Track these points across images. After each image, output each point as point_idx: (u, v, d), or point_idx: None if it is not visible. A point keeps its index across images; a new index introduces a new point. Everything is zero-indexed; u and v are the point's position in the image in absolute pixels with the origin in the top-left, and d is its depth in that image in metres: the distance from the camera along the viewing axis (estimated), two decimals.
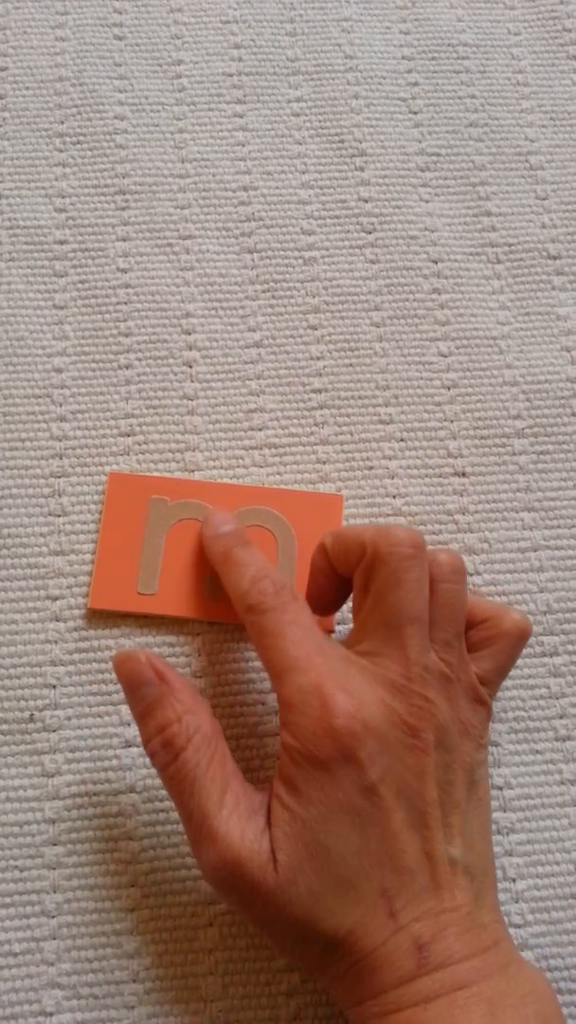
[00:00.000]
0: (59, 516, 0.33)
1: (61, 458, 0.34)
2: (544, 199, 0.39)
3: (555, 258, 0.38)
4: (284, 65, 0.40)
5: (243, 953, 0.29)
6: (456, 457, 0.35)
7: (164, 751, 0.26)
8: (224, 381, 0.35)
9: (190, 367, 0.35)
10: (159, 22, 0.40)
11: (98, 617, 0.32)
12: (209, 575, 0.32)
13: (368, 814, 0.24)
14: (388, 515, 0.34)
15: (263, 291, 0.37)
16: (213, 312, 0.36)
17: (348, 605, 0.31)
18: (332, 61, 0.40)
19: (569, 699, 0.32)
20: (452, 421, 0.35)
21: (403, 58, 0.41)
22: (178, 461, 0.34)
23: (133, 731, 0.31)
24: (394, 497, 0.34)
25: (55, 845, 0.30)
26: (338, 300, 0.37)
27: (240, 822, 0.25)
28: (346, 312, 0.37)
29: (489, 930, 0.25)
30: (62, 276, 0.36)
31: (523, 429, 0.35)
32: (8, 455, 0.34)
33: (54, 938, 0.29)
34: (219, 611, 0.32)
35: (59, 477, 0.34)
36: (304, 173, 0.38)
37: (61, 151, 0.38)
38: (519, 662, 0.32)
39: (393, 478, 0.34)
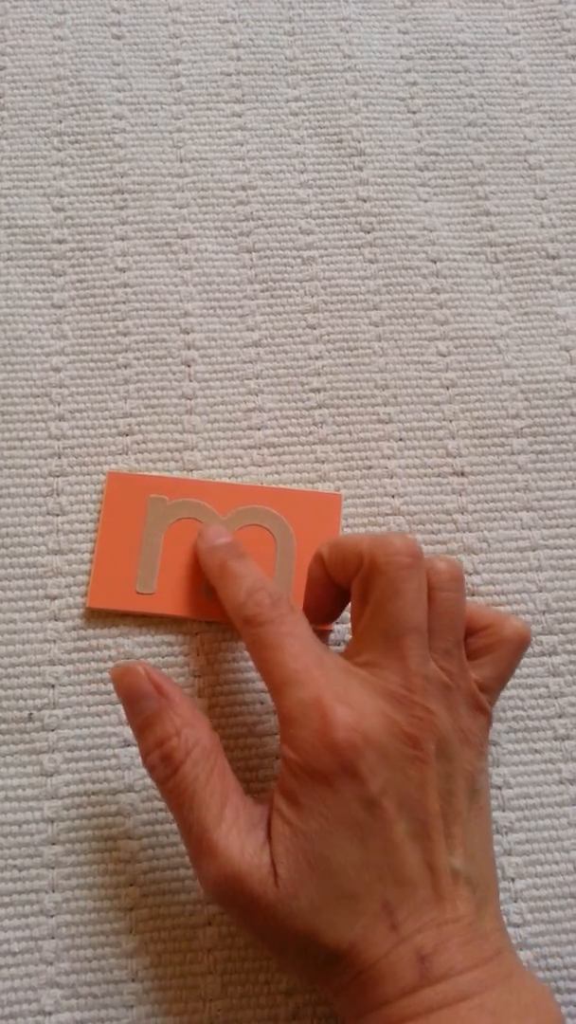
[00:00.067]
0: (57, 515, 0.33)
1: (60, 457, 0.34)
2: (543, 199, 0.39)
3: (554, 258, 0.38)
4: (282, 64, 0.40)
5: (242, 952, 0.29)
6: (455, 456, 0.35)
7: (163, 765, 0.26)
8: (223, 380, 0.35)
9: (189, 366, 0.35)
10: (157, 21, 0.40)
11: (97, 616, 0.32)
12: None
13: (370, 827, 0.24)
14: (387, 514, 0.34)
15: (262, 290, 0.37)
16: (212, 311, 0.36)
17: (345, 615, 0.31)
18: (331, 60, 0.40)
19: (568, 698, 0.32)
20: (451, 420, 0.35)
21: (402, 57, 0.41)
22: (177, 460, 0.34)
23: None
24: (393, 496, 0.34)
25: (54, 844, 0.30)
26: (337, 300, 0.37)
27: (240, 836, 0.24)
28: (345, 312, 0.37)
29: (491, 940, 0.25)
30: (60, 275, 0.36)
31: (522, 428, 0.35)
32: (6, 454, 0.34)
33: (53, 937, 0.29)
34: (218, 610, 0.32)
35: (58, 476, 0.34)
36: (303, 172, 0.38)
37: (59, 150, 0.38)
38: None
39: (392, 477, 0.34)
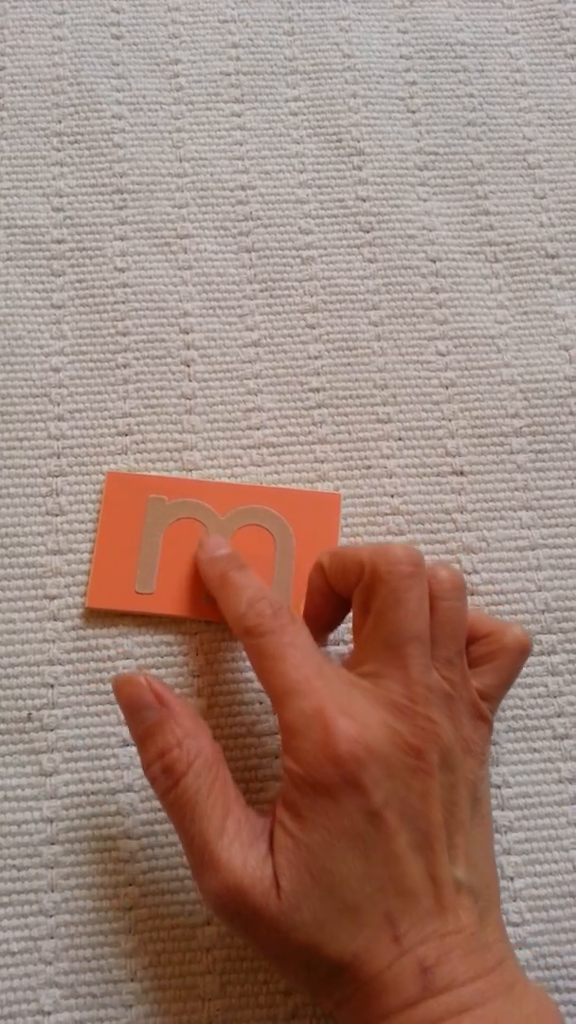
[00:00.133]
0: (57, 515, 0.33)
1: (59, 457, 0.34)
2: (542, 198, 0.39)
3: (553, 257, 0.38)
4: (282, 64, 0.40)
5: (241, 951, 0.29)
6: (454, 456, 0.35)
7: (164, 776, 0.25)
8: (222, 380, 0.35)
9: (188, 366, 0.35)
10: (157, 21, 0.40)
11: (96, 616, 0.32)
12: None
13: (372, 839, 0.24)
14: (386, 514, 0.34)
15: (261, 290, 0.37)
16: (211, 311, 0.36)
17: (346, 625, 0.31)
18: (330, 60, 0.40)
19: (567, 697, 0.32)
20: (450, 420, 0.35)
21: (401, 57, 0.41)
22: (176, 460, 0.34)
23: None
24: (392, 496, 0.34)
25: (53, 844, 0.30)
26: (336, 299, 0.37)
27: (242, 849, 0.24)
28: (344, 311, 0.37)
29: (493, 950, 0.25)
30: (60, 275, 0.36)
31: (521, 428, 0.35)
32: (6, 454, 0.34)
33: (52, 937, 0.29)
34: (217, 611, 0.32)
35: (57, 476, 0.34)
36: (302, 172, 0.38)
37: (59, 150, 0.38)
38: None
39: (391, 477, 0.34)
